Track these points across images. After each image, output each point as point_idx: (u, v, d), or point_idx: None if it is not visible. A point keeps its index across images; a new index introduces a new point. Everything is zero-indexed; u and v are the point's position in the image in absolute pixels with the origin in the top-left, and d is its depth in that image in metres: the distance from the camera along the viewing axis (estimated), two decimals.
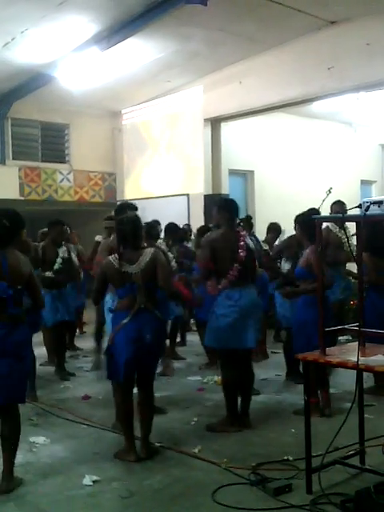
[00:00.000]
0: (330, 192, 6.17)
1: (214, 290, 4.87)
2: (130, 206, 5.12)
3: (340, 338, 6.05)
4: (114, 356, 4.20)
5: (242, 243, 4.83)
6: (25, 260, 3.90)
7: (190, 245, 8.44)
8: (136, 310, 4.17)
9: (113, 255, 4.27)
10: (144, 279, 4.17)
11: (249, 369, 5.00)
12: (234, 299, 4.76)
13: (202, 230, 7.55)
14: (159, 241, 7.17)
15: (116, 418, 4.73)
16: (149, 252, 4.24)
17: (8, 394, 3.73)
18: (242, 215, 5.72)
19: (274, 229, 8.03)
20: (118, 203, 5.47)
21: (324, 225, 6.54)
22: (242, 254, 4.79)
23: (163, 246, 6.90)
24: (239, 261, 4.77)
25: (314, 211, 5.35)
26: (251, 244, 4.99)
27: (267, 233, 8.06)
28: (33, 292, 3.94)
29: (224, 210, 4.94)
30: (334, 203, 6.79)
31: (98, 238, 7.08)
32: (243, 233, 5.00)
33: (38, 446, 4.53)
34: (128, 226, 4.23)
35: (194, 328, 8.47)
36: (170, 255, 6.56)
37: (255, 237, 5.93)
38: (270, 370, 6.58)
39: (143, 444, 4.30)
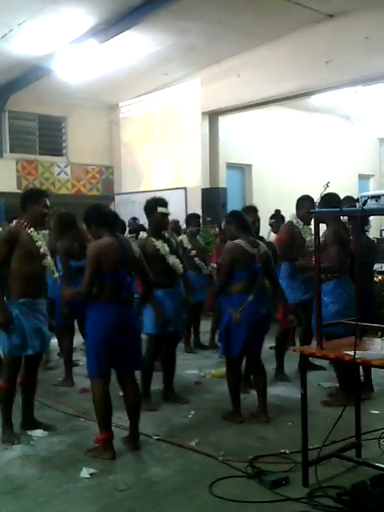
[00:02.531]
0: (327, 186, 6.13)
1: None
2: (45, 194, 4.66)
3: None
4: (233, 333, 4.70)
5: (351, 237, 5.23)
6: (135, 246, 4.39)
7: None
8: (256, 289, 4.73)
9: (238, 239, 4.74)
10: (262, 262, 4.79)
11: None
12: (343, 288, 5.14)
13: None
14: (183, 236, 7.31)
15: (229, 387, 4.90)
16: (262, 244, 4.96)
17: (133, 362, 4.30)
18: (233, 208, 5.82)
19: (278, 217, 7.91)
20: (34, 189, 5.18)
21: (287, 220, 6.60)
22: (352, 246, 5.12)
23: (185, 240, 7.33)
24: (350, 254, 5.12)
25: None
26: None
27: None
28: (144, 275, 4.40)
29: (329, 206, 5.20)
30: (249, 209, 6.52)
31: None
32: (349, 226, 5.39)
33: (36, 439, 4.54)
34: (244, 216, 4.95)
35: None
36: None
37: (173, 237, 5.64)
38: (266, 363, 6.58)
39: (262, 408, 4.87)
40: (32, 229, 4.42)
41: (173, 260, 5.22)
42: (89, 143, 13.42)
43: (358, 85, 10.54)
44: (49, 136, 13.43)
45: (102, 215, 4.26)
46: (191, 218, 7.82)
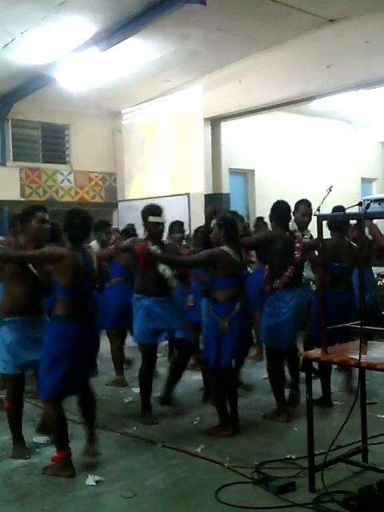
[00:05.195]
0: (330, 190, 6.10)
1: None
2: (39, 208, 4.48)
3: None
4: (223, 343, 4.59)
5: (297, 245, 5.04)
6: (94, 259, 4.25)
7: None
8: (243, 297, 4.70)
9: (225, 246, 4.65)
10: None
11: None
12: (285, 300, 4.96)
13: (199, 230, 7.32)
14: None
15: (213, 402, 4.87)
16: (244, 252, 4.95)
17: (89, 373, 4.28)
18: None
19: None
20: (28, 205, 4.67)
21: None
22: (297, 255, 5.00)
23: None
24: (294, 263, 4.98)
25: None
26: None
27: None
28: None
29: (276, 212, 5.13)
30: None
31: None
32: (298, 234, 5.18)
33: (41, 446, 4.55)
34: (236, 225, 4.83)
35: None
36: None
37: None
38: None
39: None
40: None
41: (162, 268, 5.11)
42: (92, 150, 13.45)
43: (359, 89, 10.52)
44: (52, 144, 13.46)
45: (73, 225, 4.08)
46: (174, 226, 7.72)
